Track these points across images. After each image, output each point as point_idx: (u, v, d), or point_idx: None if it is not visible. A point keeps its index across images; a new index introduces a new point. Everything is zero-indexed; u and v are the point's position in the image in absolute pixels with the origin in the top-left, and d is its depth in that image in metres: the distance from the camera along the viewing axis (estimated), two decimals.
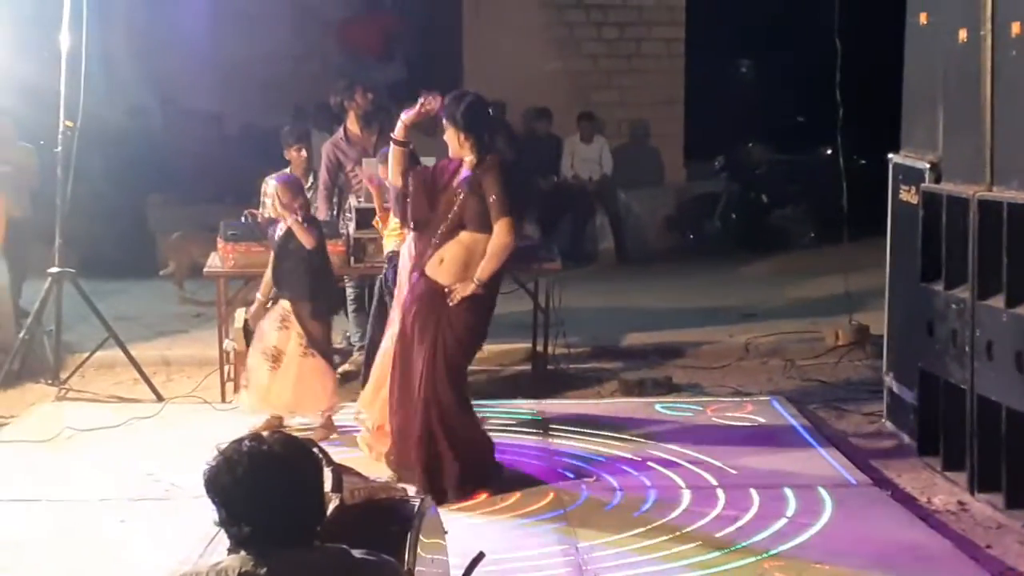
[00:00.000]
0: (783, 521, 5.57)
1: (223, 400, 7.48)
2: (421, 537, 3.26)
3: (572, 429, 6.94)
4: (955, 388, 6.02)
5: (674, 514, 5.68)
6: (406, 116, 6.00)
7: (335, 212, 8.16)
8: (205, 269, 7.87)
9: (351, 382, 7.62)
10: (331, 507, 3.06)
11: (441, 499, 5.52)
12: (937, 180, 6.35)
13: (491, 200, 5.77)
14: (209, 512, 2.73)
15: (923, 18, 6.59)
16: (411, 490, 3.92)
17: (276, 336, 6.71)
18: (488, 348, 8.47)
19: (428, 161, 6.30)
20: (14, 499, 5.87)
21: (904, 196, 6.72)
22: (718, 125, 13.23)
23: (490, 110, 6.17)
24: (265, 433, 2.82)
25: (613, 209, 12.36)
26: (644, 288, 10.75)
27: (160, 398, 7.60)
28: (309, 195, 7.29)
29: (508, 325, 8.44)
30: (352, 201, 7.85)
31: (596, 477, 6.18)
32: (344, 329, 8.51)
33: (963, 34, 6.05)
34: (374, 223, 7.24)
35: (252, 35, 12.35)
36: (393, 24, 12.88)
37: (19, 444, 6.71)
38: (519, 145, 11.92)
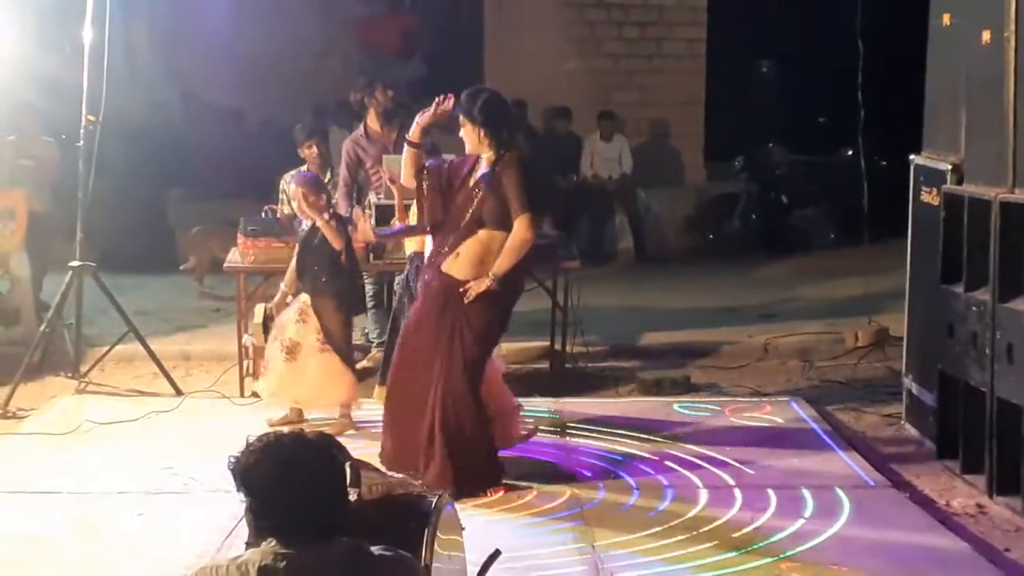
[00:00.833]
0: (800, 522, 5.56)
1: (242, 395, 7.51)
2: (438, 533, 3.26)
3: (590, 428, 6.94)
4: (975, 390, 5.99)
5: (691, 514, 5.67)
6: (421, 118, 5.98)
7: (354, 209, 8.17)
8: (225, 264, 7.89)
9: (369, 379, 7.64)
10: (349, 502, 3.07)
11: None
12: (959, 182, 6.32)
13: (511, 196, 5.75)
14: (227, 506, 2.75)
15: (946, 19, 6.56)
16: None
17: (294, 329, 6.73)
18: (506, 346, 8.49)
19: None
20: (34, 491, 5.89)
21: (925, 198, 6.70)
22: (739, 125, 13.22)
23: (509, 105, 6.13)
24: (289, 428, 2.84)
25: (633, 208, 12.35)
26: (663, 288, 10.74)
27: (179, 392, 7.63)
28: (328, 190, 7.30)
29: (526, 323, 8.44)
30: (372, 198, 7.86)
31: (613, 476, 6.18)
32: (363, 326, 8.53)
33: (986, 35, 6.02)
34: (392, 223, 7.25)
35: (273, 31, 12.37)
36: (414, 22, 12.89)
37: (39, 437, 6.74)
38: (538, 141, 11.92)
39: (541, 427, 6.90)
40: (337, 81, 11.73)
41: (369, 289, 8.33)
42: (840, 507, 5.74)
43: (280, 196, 8.30)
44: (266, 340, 6.90)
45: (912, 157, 6.90)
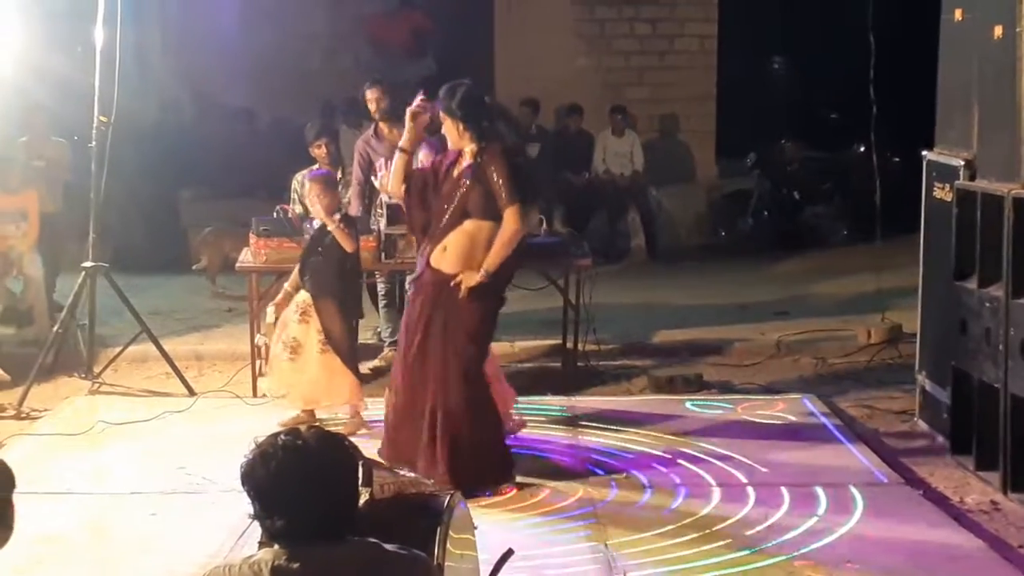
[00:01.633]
0: (814, 520, 5.55)
1: (254, 394, 7.51)
2: (451, 532, 3.26)
3: (602, 425, 6.93)
4: (988, 387, 5.97)
5: (704, 512, 5.66)
6: (411, 122, 5.95)
7: (367, 208, 8.18)
8: (237, 264, 7.90)
9: (381, 378, 7.64)
10: (361, 501, 3.07)
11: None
12: (972, 177, 6.30)
13: (498, 187, 5.71)
14: (240, 505, 2.75)
15: (958, 14, 6.54)
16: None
17: (296, 328, 6.74)
18: (518, 344, 8.52)
19: None
20: (47, 492, 5.91)
21: (938, 194, 6.68)
22: (751, 122, 13.19)
23: (486, 97, 6.08)
24: (301, 428, 2.84)
25: (645, 206, 12.34)
26: (675, 285, 10.73)
27: (192, 392, 7.64)
28: (339, 190, 7.30)
29: (538, 321, 8.45)
30: (383, 197, 7.86)
31: (626, 474, 6.17)
32: (375, 325, 8.53)
33: (998, 30, 6.00)
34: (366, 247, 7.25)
35: (283, 30, 12.39)
36: (424, 20, 12.89)
37: (52, 437, 6.76)
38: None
39: (553, 425, 6.89)
40: (348, 79, 11.73)
41: (382, 288, 8.34)
42: (853, 504, 5.72)
43: (292, 195, 8.31)
44: None
45: (925, 153, 6.88)
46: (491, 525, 5.23)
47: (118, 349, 8.06)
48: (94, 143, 7.72)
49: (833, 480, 6.04)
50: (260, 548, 2.83)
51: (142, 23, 10.33)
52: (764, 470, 6.21)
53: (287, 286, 6.97)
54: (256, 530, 2.82)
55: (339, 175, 8.22)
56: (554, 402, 7.37)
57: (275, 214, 8.00)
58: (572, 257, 7.83)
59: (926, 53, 7.07)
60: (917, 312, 7.08)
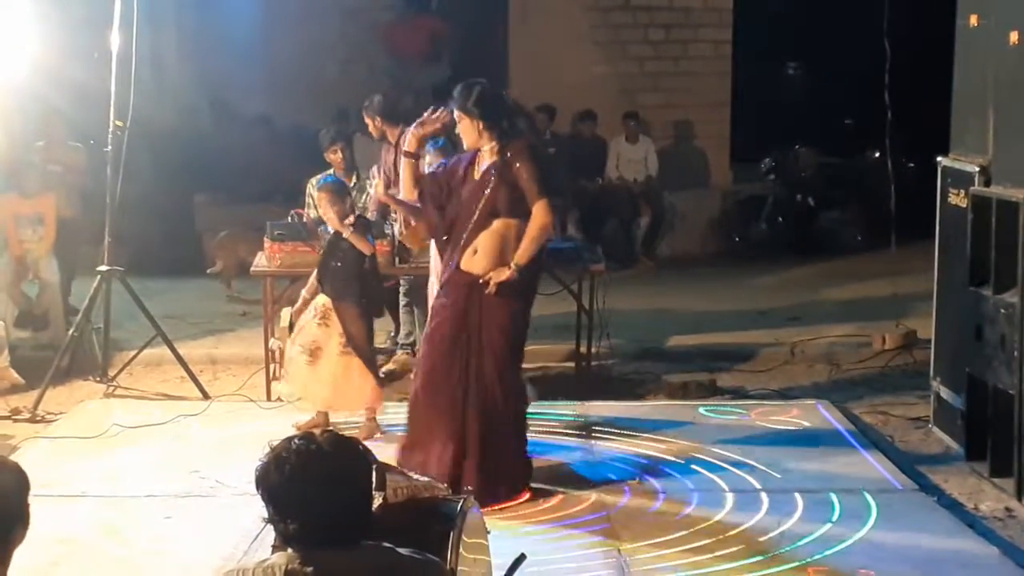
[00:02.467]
0: (827, 526, 5.54)
1: (268, 398, 7.53)
2: (464, 537, 3.27)
3: (615, 431, 6.93)
4: (1003, 393, 5.95)
5: (717, 518, 5.65)
6: (416, 129, 5.93)
7: (383, 213, 8.20)
8: (252, 268, 7.93)
9: (395, 382, 7.65)
10: (374, 505, 3.07)
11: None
12: (987, 183, 6.29)
13: (526, 183, 5.66)
14: (254, 509, 2.76)
15: (973, 20, 6.53)
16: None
17: (315, 332, 6.74)
18: (531, 349, 8.49)
19: None
20: (62, 495, 5.93)
21: (953, 199, 6.66)
22: (765, 127, 13.17)
23: (504, 94, 6.00)
24: (315, 431, 2.84)
25: (658, 211, 12.33)
26: (689, 291, 10.72)
27: (206, 396, 7.66)
28: (354, 195, 7.31)
29: (552, 326, 8.44)
30: None
31: (639, 480, 6.17)
32: (388, 329, 8.54)
33: (1014, 36, 5.99)
34: (400, 236, 7.26)
35: (300, 36, 12.41)
36: (439, 27, 12.91)
37: (67, 440, 6.78)
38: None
39: (566, 430, 6.89)
40: (364, 86, 11.76)
41: (403, 287, 8.29)
42: (867, 511, 5.71)
43: (307, 200, 8.33)
44: None
45: (939, 159, 6.87)
46: (504, 530, 5.23)
47: (133, 353, 8.09)
48: (110, 148, 7.75)
49: (847, 486, 6.03)
50: (273, 552, 2.84)
51: (158, 29, 10.39)
52: (778, 476, 6.20)
53: (305, 292, 6.98)
54: (270, 533, 2.83)
55: (354, 180, 8.25)
56: (567, 407, 7.37)
57: (289, 218, 8.03)
58: (586, 262, 7.83)
59: (941, 59, 7.06)
60: (932, 318, 7.07)
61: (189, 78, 12.35)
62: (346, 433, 2.93)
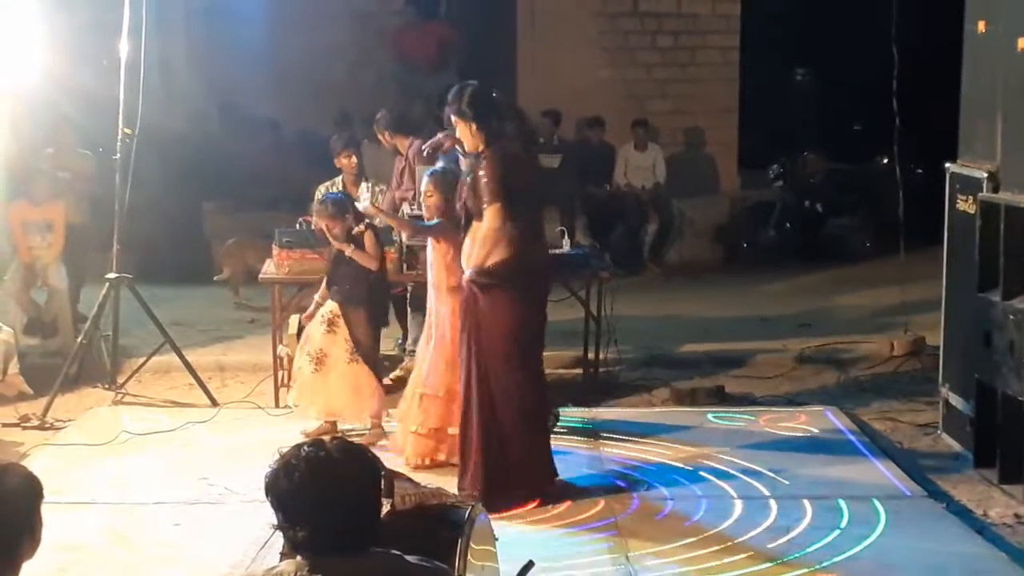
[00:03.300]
0: (836, 533, 5.53)
1: (276, 405, 7.53)
2: (471, 544, 3.26)
3: (623, 437, 6.92)
4: (1012, 400, 5.94)
5: (726, 524, 5.65)
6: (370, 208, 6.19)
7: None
8: (260, 275, 7.93)
9: (403, 389, 7.64)
10: (382, 513, 3.07)
11: None
12: (995, 189, 6.28)
13: (483, 185, 5.64)
14: (262, 516, 2.76)
15: (981, 26, 6.52)
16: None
17: (321, 339, 6.75)
18: None
19: None
20: (71, 502, 5.94)
21: (961, 206, 6.65)
22: (773, 134, 13.16)
23: (494, 95, 5.97)
24: (324, 439, 2.84)
25: (666, 218, 12.33)
26: (697, 297, 10.71)
27: (215, 403, 7.67)
28: (365, 203, 7.29)
29: (560, 333, 8.43)
30: (405, 209, 7.89)
31: (647, 486, 6.16)
32: (396, 336, 8.54)
33: (1022, 43, 5.98)
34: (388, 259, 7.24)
35: (308, 42, 12.42)
36: (447, 33, 12.93)
37: (76, 447, 6.79)
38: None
39: (574, 436, 6.89)
40: (372, 92, 11.77)
41: (411, 288, 8.26)
42: (876, 518, 5.70)
43: (315, 207, 8.32)
44: None
45: (948, 165, 6.86)
46: (512, 536, 5.23)
47: (142, 360, 8.10)
48: (119, 155, 7.77)
49: (856, 493, 6.02)
50: (282, 559, 2.84)
51: (167, 36, 10.40)
52: (786, 482, 6.19)
53: (317, 297, 6.99)
54: (278, 541, 2.83)
55: (361, 188, 8.24)
56: (575, 413, 7.37)
57: (298, 226, 8.03)
58: (594, 269, 7.83)
59: (949, 64, 7.05)
60: (940, 324, 7.06)
61: (198, 85, 12.37)
62: (353, 440, 2.93)
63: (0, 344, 7.10)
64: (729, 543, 5.40)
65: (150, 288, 8.64)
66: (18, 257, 8.65)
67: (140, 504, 6.00)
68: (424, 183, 6.47)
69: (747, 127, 13.31)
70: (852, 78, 12.90)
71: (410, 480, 3.58)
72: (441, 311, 6.35)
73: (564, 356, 8.48)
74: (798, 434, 7.02)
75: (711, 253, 12.77)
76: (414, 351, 8.18)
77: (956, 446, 6.73)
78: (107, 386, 7.88)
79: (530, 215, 5.83)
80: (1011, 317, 5.93)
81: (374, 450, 3.56)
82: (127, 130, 7.71)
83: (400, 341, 8.55)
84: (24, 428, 7.23)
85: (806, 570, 5.13)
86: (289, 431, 6.78)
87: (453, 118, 5.82)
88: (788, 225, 12.92)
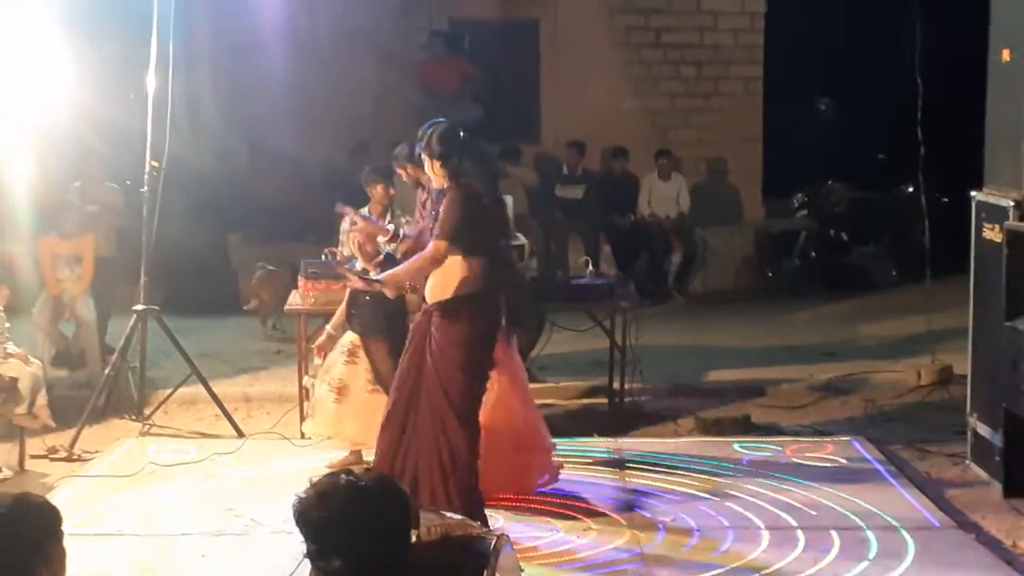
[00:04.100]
0: (864, 564, 5.49)
1: (302, 436, 7.55)
2: (497, 575, 3.26)
3: (648, 467, 6.90)
4: None
5: (753, 555, 5.61)
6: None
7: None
8: (286, 306, 7.97)
9: None
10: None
11: None
12: (1022, 218, 6.26)
13: (439, 219, 5.75)
14: (288, 547, 2.76)
15: (1006, 55, 6.52)
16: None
17: (342, 369, 6.77)
18: (564, 384, 8.52)
19: None
20: (98, 533, 5.96)
21: (988, 234, 6.63)
22: (797, 163, 13.17)
23: (461, 133, 6.02)
24: (355, 468, 2.85)
25: (690, 247, 12.33)
26: (722, 326, 10.69)
27: (241, 434, 7.69)
28: (345, 225, 7.33)
29: (585, 362, 8.45)
30: (405, 229, 7.91)
31: (673, 517, 6.14)
32: None
33: None
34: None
35: (333, 77, 12.51)
36: (471, 65, 13.00)
37: (103, 479, 6.82)
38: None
39: (599, 466, 6.87)
40: (396, 124, 11.82)
41: None
42: (905, 549, 5.66)
43: (340, 238, 8.36)
44: None
45: (973, 193, 6.84)
46: (537, 568, 5.22)
47: (168, 391, 8.14)
48: (146, 188, 7.83)
49: (884, 524, 5.98)
50: None
51: (193, 71, 10.48)
52: (814, 513, 6.16)
53: (329, 327, 7.02)
54: (305, 572, 2.83)
55: (387, 219, 8.26)
56: (600, 443, 7.35)
57: (323, 257, 8.06)
58: (618, 298, 7.84)
59: (974, 93, 7.04)
60: (968, 353, 7.02)
61: (224, 119, 12.45)
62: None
63: (29, 376, 7.13)
64: (756, 574, 5.37)
65: (177, 319, 8.67)
66: (46, 290, 8.71)
67: (167, 535, 6.01)
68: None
69: (771, 156, 13.32)
70: (876, 107, 12.91)
71: (435, 511, 3.58)
72: None
73: (589, 386, 8.48)
74: (825, 464, 6.99)
75: (735, 282, 12.76)
76: None
77: (984, 476, 6.68)
78: (134, 417, 7.92)
79: (488, 252, 5.85)
80: None
81: None
82: (154, 163, 7.77)
83: None
84: (52, 460, 7.26)
85: None
86: (315, 462, 6.79)
87: (422, 156, 5.94)
88: (813, 254, 12.91)
